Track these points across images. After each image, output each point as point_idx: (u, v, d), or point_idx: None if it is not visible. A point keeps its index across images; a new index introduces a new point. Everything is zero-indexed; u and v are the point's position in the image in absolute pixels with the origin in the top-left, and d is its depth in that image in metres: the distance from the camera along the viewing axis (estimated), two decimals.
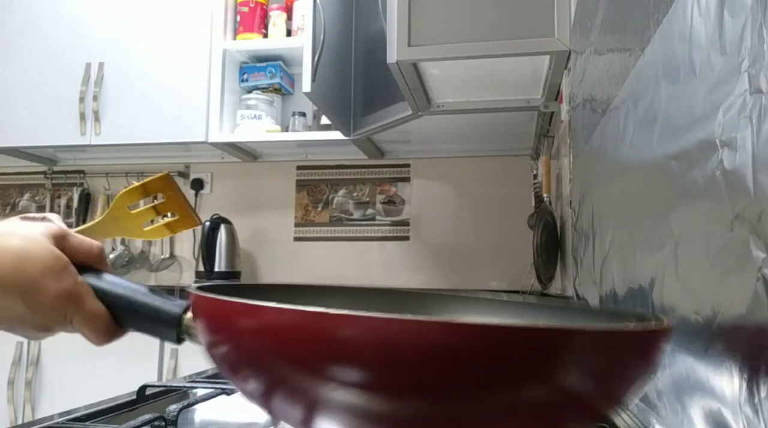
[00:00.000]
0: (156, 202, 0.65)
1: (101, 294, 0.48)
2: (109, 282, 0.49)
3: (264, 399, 0.36)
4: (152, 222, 0.67)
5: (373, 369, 0.30)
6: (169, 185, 0.65)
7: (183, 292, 0.47)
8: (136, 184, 0.63)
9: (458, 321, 0.30)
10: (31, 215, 0.61)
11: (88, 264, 0.49)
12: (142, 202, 0.66)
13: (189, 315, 0.46)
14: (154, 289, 0.49)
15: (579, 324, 0.44)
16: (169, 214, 0.66)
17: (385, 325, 0.30)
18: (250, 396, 0.37)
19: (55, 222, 0.62)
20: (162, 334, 0.47)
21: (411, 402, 0.31)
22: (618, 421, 0.65)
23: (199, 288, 0.41)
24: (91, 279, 0.48)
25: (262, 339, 0.34)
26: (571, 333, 0.31)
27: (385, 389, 0.31)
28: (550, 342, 0.30)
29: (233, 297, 0.36)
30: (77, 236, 0.49)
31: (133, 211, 0.64)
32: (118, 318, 0.48)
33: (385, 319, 0.30)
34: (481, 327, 0.30)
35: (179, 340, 0.46)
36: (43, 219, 0.61)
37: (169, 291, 2.48)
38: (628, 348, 0.32)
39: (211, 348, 0.39)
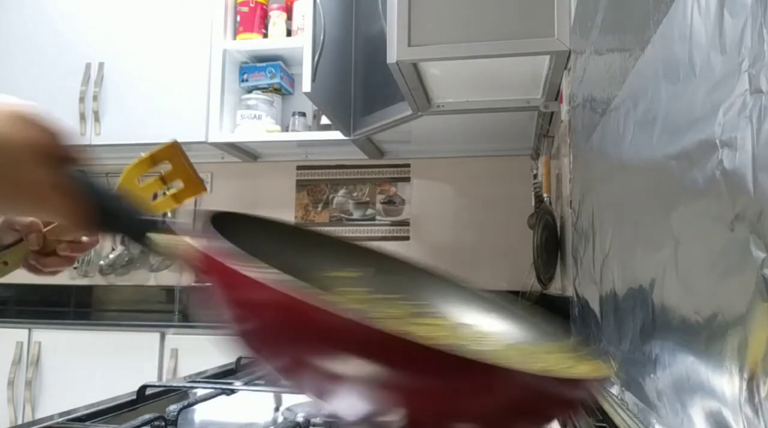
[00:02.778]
0: (163, 173, 0.64)
1: (78, 189, 0.49)
2: (85, 180, 0.50)
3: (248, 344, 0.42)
4: (155, 196, 0.66)
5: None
6: (177, 152, 0.64)
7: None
8: (144, 155, 0.63)
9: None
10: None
11: (64, 155, 0.50)
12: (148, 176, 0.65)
13: (160, 235, 0.48)
14: (123, 197, 0.51)
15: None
16: (173, 186, 0.65)
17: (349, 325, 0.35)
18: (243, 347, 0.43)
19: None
20: (129, 239, 0.50)
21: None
22: (618, 421, 0.65)
23: (214, 217, 0.45)
24: (69, 174, 0.49)
25: (254, 309, 0.39)
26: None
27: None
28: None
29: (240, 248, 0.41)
30: (52, 122, 0.50)
31: (141, 185, 0.64)
32: (90, 213, 0.50)
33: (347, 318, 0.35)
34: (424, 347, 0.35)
35: (144, 246, 0.49)
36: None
37: (169, 291, 2.49)
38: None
39: (215, 303, 0.42)
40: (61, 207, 0.48)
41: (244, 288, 0.39)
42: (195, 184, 0.65)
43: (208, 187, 2.63)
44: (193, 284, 0.44)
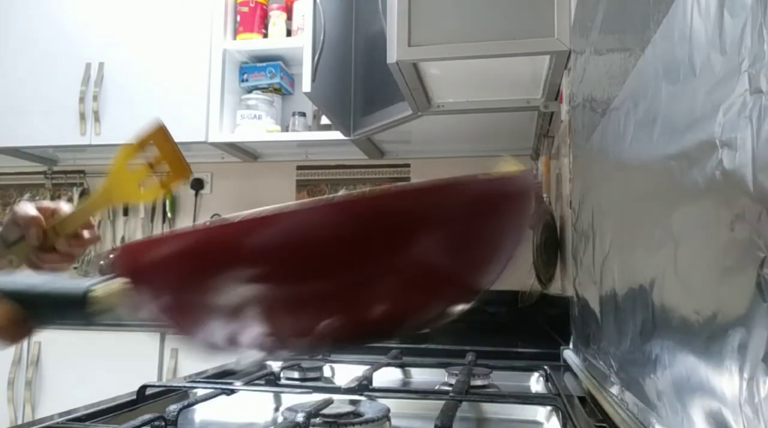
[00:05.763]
0: (151, 159, 0.65)
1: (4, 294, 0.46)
2: (3, 280, 0.47)
3: (196, 325, 0.40)
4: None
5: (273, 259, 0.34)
6: (164, 136, 0.65)
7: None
8: (132, 141, 0.63)
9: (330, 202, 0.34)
10: (45, 203, 0.61)
11: None
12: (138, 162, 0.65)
13: (97, 290, 0.44)
14: (56, 276, 0.47)
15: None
16: (160, 172, 0.65)
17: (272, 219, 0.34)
18: (188, 327, 0.41)
19: (65, 209, 0.62)
20: (69, 315, 0.45)
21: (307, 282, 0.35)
22: (618, 421, 0.65)
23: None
24: None
25: (185, 262, 0.36)
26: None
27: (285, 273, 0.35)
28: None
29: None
30: None
31: (131, 172, 0.64)
32: (22, 314, 0.46)
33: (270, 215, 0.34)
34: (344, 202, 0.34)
35: (89, 318, 0.45)
36: (55, 209, 0.61)
37: None
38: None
39: (146, 288, 0.39)
40: None
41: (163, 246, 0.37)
42: (182, 168, 0.66)
43: (207, 187, 2.63)
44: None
